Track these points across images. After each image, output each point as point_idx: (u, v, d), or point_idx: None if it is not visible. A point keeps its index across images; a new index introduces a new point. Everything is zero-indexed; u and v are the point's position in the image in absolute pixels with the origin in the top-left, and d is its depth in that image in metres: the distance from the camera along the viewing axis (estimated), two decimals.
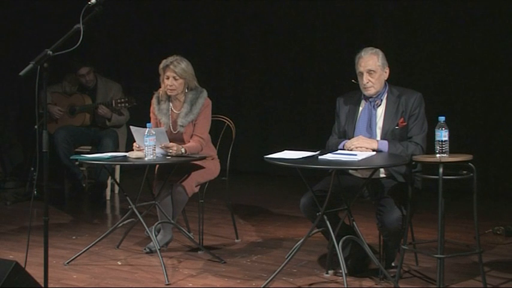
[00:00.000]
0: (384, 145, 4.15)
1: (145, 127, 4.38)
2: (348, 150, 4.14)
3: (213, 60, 8.20)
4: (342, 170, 4.14)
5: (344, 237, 3.99)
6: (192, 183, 4.73)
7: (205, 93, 4.88)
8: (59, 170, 6.77)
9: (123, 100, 6.45)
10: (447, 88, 6.89)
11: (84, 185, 6.84)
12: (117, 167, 6.66)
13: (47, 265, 3.34)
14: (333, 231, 3.96)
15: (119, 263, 4.61)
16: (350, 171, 4.26)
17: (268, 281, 4.03)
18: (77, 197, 6.80)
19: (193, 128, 4.83)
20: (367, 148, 4.11)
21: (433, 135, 3.85)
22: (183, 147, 4.63)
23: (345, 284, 3.82)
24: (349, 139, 4.23)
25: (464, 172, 3.87)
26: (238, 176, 7.22)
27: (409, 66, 6.93)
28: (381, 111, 4.26)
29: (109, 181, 6.71)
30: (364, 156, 3.95)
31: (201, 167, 4.82)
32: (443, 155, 3.78)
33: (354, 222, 4.09)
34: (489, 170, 6.55)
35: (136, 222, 4.73)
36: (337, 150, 4.17)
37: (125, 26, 8.44)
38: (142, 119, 4.77)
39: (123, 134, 6.68)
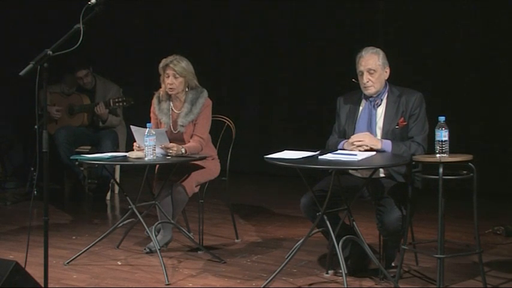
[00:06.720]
0: (388, 145, 4.14)
1: (146, 127, 4.38)
2: (350, 144, 4.12)
3: (213, 60, 8.19)
4: (342, 170, 4.14)
5: (344, 237, 3.99)
6: (192, 183, 4.73)
7: (205, 93, 4.88)
8: (59, 170, 6.77)
9: (120, 99, 6.44)
10: (447, 88, 6.89)
11: (84, 185, 6.85)
12: (117, 167, 6.67)
13: (47, 265, 3.34)
14: (333, 231, 3.95)
15: (119, 263, 4.61)
16: (350, 171, 4.26)
17: (268, 281, 4.03)
18: (77, 197, 6.80)
19: (194, 128, 4.83)
20: (367, 146, 4.10)
21: (433, 135, 3.85)
22: (183, 147, 4.62)
23: (345, 284, 3.82)
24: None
25: (464, 172, 3.87)
26: (238, 176, 7.21)
27: (410, 66, 6.92)
28: (381, 110, 4.25)
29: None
30: (364, 156, 3.94)
31: (201, 167, 4.82)
32: (443, 155, 3.78)
33: (354, 222, 4.09)
34: (489, 170, 6.54)
35: (136, 222, 4.74)
36: (337, 150, 4.17)
37: (125, 26, 8.43)
38: (142, 119, 4.77)
39: (122, 134, 6.68)
